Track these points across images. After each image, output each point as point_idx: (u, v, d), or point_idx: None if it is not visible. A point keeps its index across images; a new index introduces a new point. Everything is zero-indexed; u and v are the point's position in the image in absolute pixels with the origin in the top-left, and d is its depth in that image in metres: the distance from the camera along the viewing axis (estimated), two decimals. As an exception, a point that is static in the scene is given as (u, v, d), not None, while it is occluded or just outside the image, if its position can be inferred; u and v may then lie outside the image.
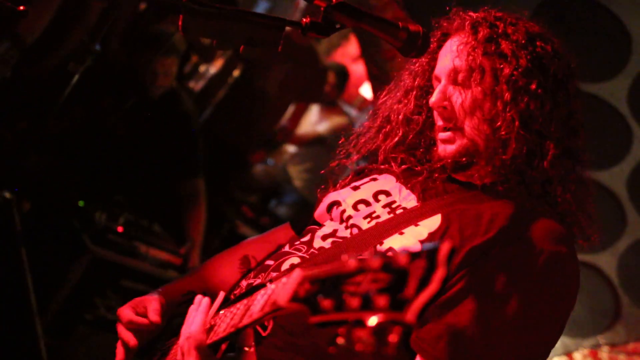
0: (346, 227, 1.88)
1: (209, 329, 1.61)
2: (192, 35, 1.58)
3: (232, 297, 1.79)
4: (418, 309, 1.04)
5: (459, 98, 1.84)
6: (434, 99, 1.88)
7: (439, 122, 1.90)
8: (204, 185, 4.63)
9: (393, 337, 1.06)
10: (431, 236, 1.70)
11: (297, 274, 1.24)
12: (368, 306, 1.07)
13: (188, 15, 1.56)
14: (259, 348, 1.63)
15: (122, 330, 1.99)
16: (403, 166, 2.00)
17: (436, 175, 1.90)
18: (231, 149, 5.76)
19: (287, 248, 1.94)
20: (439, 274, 1.04)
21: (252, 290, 1.55)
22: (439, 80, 1.91)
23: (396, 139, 2.03)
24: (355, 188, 2.00)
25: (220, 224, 5.21)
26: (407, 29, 1.69)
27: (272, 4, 7.11)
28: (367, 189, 1.98)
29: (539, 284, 1.66)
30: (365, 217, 1.87)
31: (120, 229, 3.99)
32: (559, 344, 4.03)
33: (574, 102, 1.87)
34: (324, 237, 1.88)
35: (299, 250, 1.89)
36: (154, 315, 1.95)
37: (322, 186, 2.14)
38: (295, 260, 1.84)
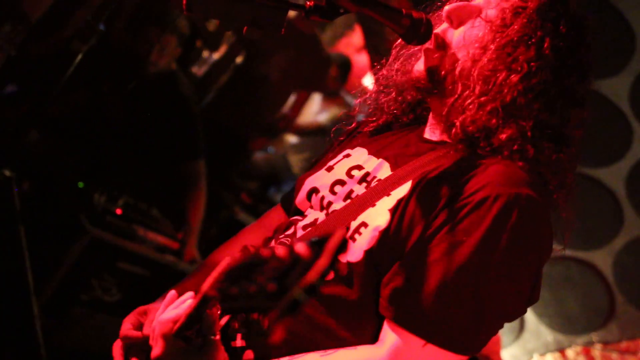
0: (327, 214, 1.84)
1: None
2: (196, 15, 1.57)
3: None
4: (290, 297, 1.08)
5: (469, 26, 1.77)
6: (449, 7, 1.79)
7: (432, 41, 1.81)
8: (204, 168, 4.63)
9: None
10: (398, 202, 1.66)
11: (225, 260, 1.26)
12: (261, 293, 1.13)
13: (193, -6, 1.56)
14: None
15: (115, 347, 1.94)
16: (377, 140, 1.97)
17: (411, 144, 1.87)
18: (232, 135, 5.76)
19: (273, 244, 1.93)
20: (320, 263, 1.07)
21: None
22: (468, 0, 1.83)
23: (384, 99, 2.01)
24: (330, 169, 1.95)
25: (218, 210, 5.22)
26: (411, 15, 1.69)
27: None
28: (340, 168, 1.92)
29: (495, 232, 1.55)
30: (344, 199, 1.82)
31: (118, 211, 4.00)
32: (551, 340, 4.06)
33: (577, 114, 1.77)
34: (305, 227, 1.86)
35: (284, 245, 1.87)
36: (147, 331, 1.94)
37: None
38: None
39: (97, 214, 3.91)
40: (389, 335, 1.59)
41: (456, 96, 1.73)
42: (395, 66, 1.99)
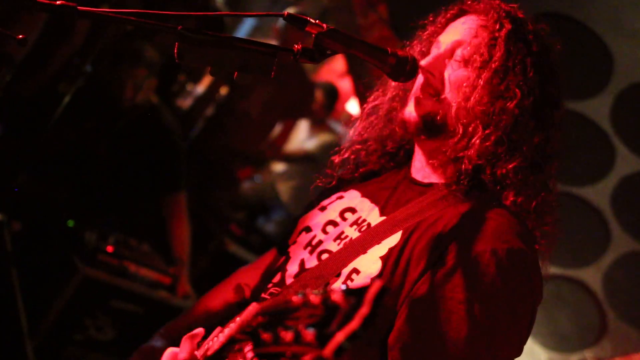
0: (312, 253, 1.89)
1: None
2: (187, 62, 1.60)
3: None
4: (336, 344, 1.08)
5: (450, 70, 1.84)
6: (426, 61, 1.86)
7: (418, 89, 1.87)
8: (186, 200, 4.63)
9: None
10: (390, 251, 1.71)
11: (251, 307, 1.29)
12: (298, 340, 1.12)
13: (183, 42, 1.59)
14: None
15: None
16: (370, 183, 2.02)
17: (401, 187, 1.92)
18: (218, 166, 5.77)
19: (263, 294, 1.95)
20: (362, 311, 1.08)
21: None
22: (438, 48, 1.90)
23: (367, 147, 2.05)
24: (323, 209, 2.02)
25: (208, 241, 5.22)
26: (396, 54, 1.73)
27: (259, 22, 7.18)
28: (334, 209, 1.99)
29: (493, 285, 1.62)
30: (335, 240, 1.88)
31: (109, 248, 4.00)
32: (545, 359, 4.07)
33: (556, 131, 1.88)
34: (296, 275, 1.89)
35: (274, 295, 1.90)
36: None
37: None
38: None
39: (89, 253, 3.91)
40: None
41: (459, 135, 1.79)
42: (371, 119, 2.05)
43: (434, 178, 1.88)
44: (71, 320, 3.85)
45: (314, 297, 1.15)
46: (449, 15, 1.96)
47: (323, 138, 6.60)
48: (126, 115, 4.35)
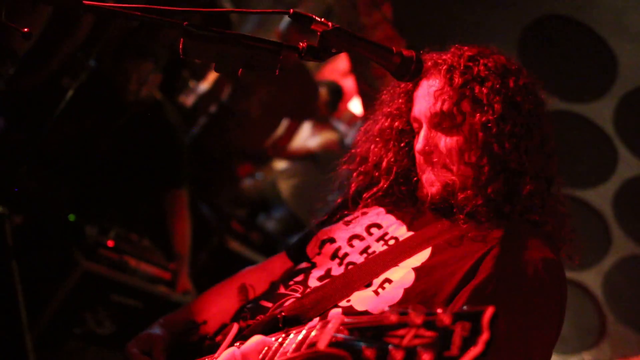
0: (340, 264, 1.94)
1: None
2: (192, 58, 1.60)
3: (245, 332, 1.83)
4: None
5: (442, 142, 1.93)
6: (419, 146, 1.96)
7: (423, 163, 1.98)
8: (187, 197, 4.64)
9: None
10: (423, 265, 1.79)
11: (336, 320, 1.27)
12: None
13: (188, 38, 1.59)
14: None
15: None
16: (389, 199, 2.08)
17: (423, 208, 1.99)
18: (220, 163, 5.77)
19: (282, 289, 1.99)
20: (484, 337, 1.08)
21: (269, 331, 1.61)
22: (419, 123, 1.99)
23: (382, 186, 2.11)
24: (347, 223, 2.08)
25: (209, 238, 5.22)
26: (401, 53, 1.74)
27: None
28: (359, 223, 2.05)
29: (539, 308, 1.74)
30: (361, 253, 1.94)
31: (110, 243, 4.00)
32: (545, 361, 4.08)
33: (546, 128, 1.96)
34: (320, 278, 1.94)
35: (295, 291, 1.94)
36: (159, 357, 1.99)
37: (316, 220, 2.20)
38: (292, 301, 1.90)
39: (89, 247, 3.91)
40: None
41: (475, 191, 1.88)
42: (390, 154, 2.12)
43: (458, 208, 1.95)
44: (71, 314, 3.85)
45: (416, 317, 1.14)
46: (410, 84, 2.04)
47: (325, 137, 6.59)
48: (129, 110, 4.35)
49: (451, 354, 1.08)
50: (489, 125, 1.86)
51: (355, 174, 2.16)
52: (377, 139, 2.12)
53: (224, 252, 5.15)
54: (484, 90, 1.88)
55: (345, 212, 2.14)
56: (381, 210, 2.07)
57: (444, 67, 1.93)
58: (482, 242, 1.80)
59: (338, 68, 7.84)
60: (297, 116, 6.10)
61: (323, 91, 6.70)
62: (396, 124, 2.08)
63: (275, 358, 1.43)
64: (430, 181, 1.96)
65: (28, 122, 3.80)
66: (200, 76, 5.96)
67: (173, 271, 4.23)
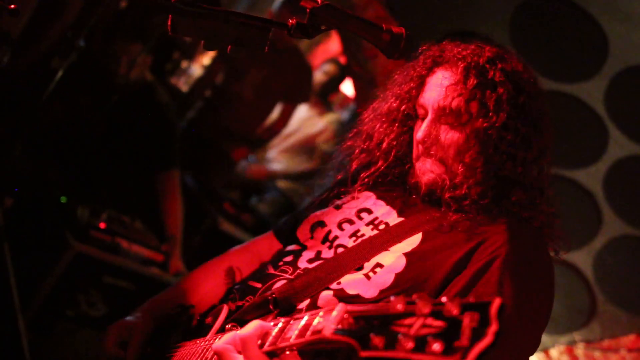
0: (330, 247, 1.95)
1: None
2: (181, 35, 1.59)
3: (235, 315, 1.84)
4: (474, 358, 1.07)
5: (443, 136, 1.94)
6: (420, 135, 1.96)
7: (421, 152, 1.99)
8: (179, 178, 4.63)
9: None
10: (414, 250, 1.81)
11: (341, 307, 1.26)
12: (421, 349, 1.11)
13: (177, 15, 1.58)
14: None
15: None
16: (382, 186, 2.09)
17: (413, 196, 2.01)
18: (214, 146, 5.77)
19: (272, 270, 1.99)
20: (493, 327, 1.08)
21: (260, 312, 1.61)
22: (425, 110, 1.99)
23: (379, 167, 2.11)
24: (338, 207, 2.08)
25: (201, 220, 5.22)
26: (391, 31, 1.73)
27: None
28: (349, 208, 2.06)
29: (531, 286, 1.77)
30: (350, 236, 1.95)
31: (102, 225, 3.99)
32: (535, 340, 4.11)
33: (546, 139, 1.98)
34: (310, 260, 1.94)
35: (285, 272, 1.94)
36: (131, 354, 2.00)
37: (313, 198, 2.22)
38: (282, 283, 1.90)
39: (81, 229, 3.90)
40: None
41: (464, 191, 1.90)
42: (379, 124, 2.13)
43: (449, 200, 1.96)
44: (63, 296, 3.85)
45: (424, 307, 1.14)
46: (424, 70, 2.04)
47: (327, 119, 6.57)
48: (120, 91, 4.33)
49: (461, 344, 1.08)
50: (490, 132, 1.88)
51: (357, 151, 2.16)
52: (384, 119, 2.13)
53: (216, 234, 5.15)
54: (494, 96, 1.89)
55: (342, 190, 2.15)
56: (372, 195, 2.08)
57: (462, 64, 1.94)
58: (474, 233, 1.81)
59: (330, 49, 7.82)
60: (291, 99, 6.08)
61: (331, 68, 6.68)
62: (404, 107, 2.08)
63: (278, 343, 1.41)
64: (423, 170, 1.97)
65: (18, 104, 3.78)
66: (191, 56, 5.94)
67: (165, 253, 4.22)
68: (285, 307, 1.77)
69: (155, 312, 2.13)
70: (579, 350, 4.03)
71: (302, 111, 6.55)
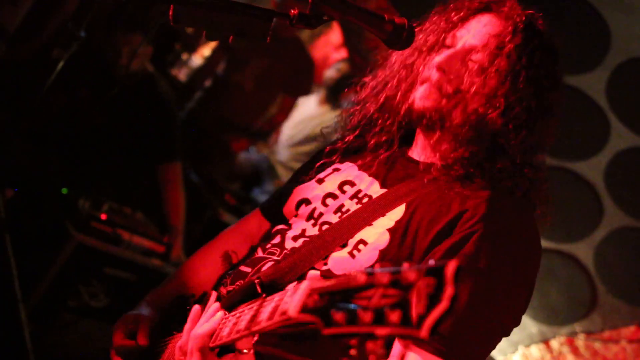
0: (314, 225, 1.92)
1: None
2: (182, 25, 1.59)
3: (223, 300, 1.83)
4: (430, 325, 1.06)
5: (458, 73, 1.89)
6: (441, 58, 1.90)
7: (429, 78, 1.92)
8: (181, 169, 4.63)
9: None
10: (397, 224, 1.78)
11: (305, 284, 1.24)
12: (380, 320, 1.09)
13: (178, 5, 1.58)
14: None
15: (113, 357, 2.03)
16: (363, 155, 2.04)
17: (396, 152, 1.97)
18: (215, 137, 5.76)
19: (260, 252, 1.97)
20: (448, 292, 1.06)
21: (247, 297, 1.60)
22: (455, 40, 1.94)
23: (369, 111, 2.06)
24: (320, 181, 2.03)
25: (203, 211, 5.23)
26: (393, 21, 1.73)
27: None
28: (331, 181, 2.01)
29: (514, 259, 1.74)
30: (335, 212, 1.92)
31: (103, 216, 4.00)
32: (536, 332, 4.11)
33: (551, 128, 1.93)
34: (295, 238, 1.92)
35: (273, 254, 1.92)
36: (142, 339, 1.99)
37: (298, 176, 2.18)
38: (269, 265, 1.89)
39: (82, 220, 3.91)
40: (410, 357, 1.64)
41: (455, 137, 1.86)
42: (383, 77, 2.06)
43: (431, 159, 1.92)
44: (65, 287, 3.87)
45: (383, 276, 1.11)
46: (475, 4, 1.97)
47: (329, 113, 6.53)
48: (121, 82, 4.32)
49: (418, 311, 1.06)
50: (507, 95, 1.83)
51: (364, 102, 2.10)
52: (403, 67, 2.04)
53: (218, 225, 5.15)
54: (527, 67, 1.86)
55: (325, 161, 2.10)
56: (353, 166, 2.02)
57: (512, 22, 1.89)
58: (457, 202, 1.77)
59: (331, 41, 7.79)
60: (292, 92, 6.06)
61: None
62: (430, 37, 2.00)
63: (250, 327, 1.42)
64: (425, 95, 1.90)
65: (19, 95, 3.77)
66: (192, 48, 5.93)
67: (167, 244, 4.23)
68: (273, 290, 1.76)
69: (158, 303, 2.13)
70: (580, 341, 4.04)
71: (312, 107, 6.50)
